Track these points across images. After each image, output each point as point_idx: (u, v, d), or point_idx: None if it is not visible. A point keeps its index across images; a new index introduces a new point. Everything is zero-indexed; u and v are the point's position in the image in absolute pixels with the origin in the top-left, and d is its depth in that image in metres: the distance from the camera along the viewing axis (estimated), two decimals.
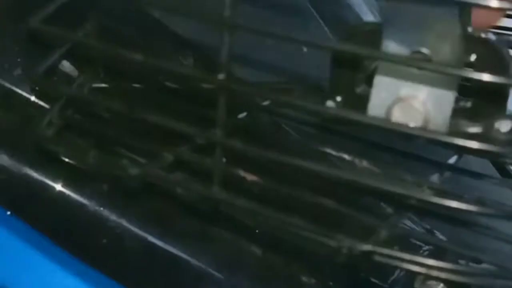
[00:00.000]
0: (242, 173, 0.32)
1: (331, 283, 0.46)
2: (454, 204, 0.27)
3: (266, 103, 0.40)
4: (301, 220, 0.28)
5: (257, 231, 0.45)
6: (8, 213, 0.39)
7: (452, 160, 0.37)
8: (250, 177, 0.32)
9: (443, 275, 0.27)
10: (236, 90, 0.28)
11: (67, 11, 0.37)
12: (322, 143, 0.36)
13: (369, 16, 0.55)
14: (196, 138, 0.34)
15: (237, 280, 0.44)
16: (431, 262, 0.28)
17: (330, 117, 0.31)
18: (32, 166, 0.41)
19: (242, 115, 0.40)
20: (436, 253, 0.34)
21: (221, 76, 0.29)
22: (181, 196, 0.31)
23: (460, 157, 0.37)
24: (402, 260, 0.28)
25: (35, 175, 0.41)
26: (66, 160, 0.41)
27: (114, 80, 0.42)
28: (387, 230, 0.29)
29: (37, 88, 0.37)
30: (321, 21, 0.51)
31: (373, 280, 0.46)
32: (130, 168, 0.32)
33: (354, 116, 0.28)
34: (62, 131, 0.36)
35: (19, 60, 0.41)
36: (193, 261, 0.43)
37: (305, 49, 0.48)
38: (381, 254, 0.28)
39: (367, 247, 0.28)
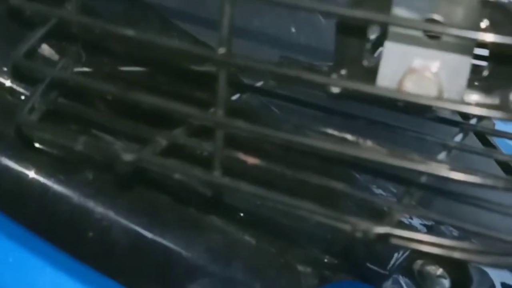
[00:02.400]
0: (242, 156, 0.30)
1: (327, 272, 0.44)
2: (475, 179, 0.25)
3: (259, 84, 0.38)
4: (312, 204, 0.26)
5: (250, 219, 0.43)
6: None
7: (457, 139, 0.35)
8: (251, 160, 0.29)
9: (465, 256, 0.26)
10: (237, 67, 0.26)
11: None
12: (323, 125, 0.33)
13: None
14: (191, 121, 0.32)
15: (231, 272, 0.41)
16: (451, 243, 0.26)
17: (336, 92, 0.29)
18: (11, 155, 0.38)
19: (235, 97, 0.38)
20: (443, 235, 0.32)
21: (221, 51, 0.26)
22: (178, 182, 0.29)
23: (465, 135, 0.35)
24: (421, 242, 0.26)
25: (14, 165, 0.38)
26: (48, 148, 0.38)
27: (97, 64, 0.40)
28: (400, 211, 0.28)
29: (17, 71, 0.35)
30: None
31: (371, 266, 0.44)
32: (123, 154, 0.29)
33: (365, 87, 0.26)
34: (45, 117, 0.34)
35: None
36: (185, 252, 0.41)
37: (293, 30, 0.46)
38: (397, 237, 0.26)
39: (383, 229, 0.26)
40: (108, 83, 0.31)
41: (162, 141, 0.31)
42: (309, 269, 0.43)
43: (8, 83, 0.38)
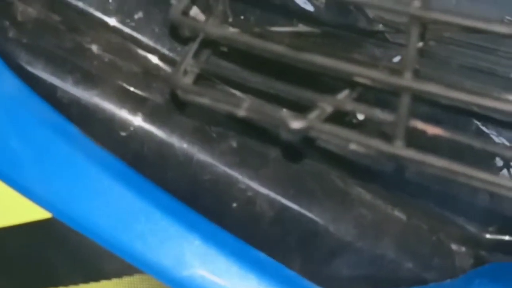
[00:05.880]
0: (420, 124, 0.26)
1: (483, 253, 0.39)
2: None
3: None
4: None
5: (399, 193, 0.39)
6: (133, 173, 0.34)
7: None
8: (433, 130, 0.26)
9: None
10: (434, 22, 0.22)
11: None
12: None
13: None
14: (360, 85, 0.28)
15: (381, 249, 0.38)
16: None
17: None
18: (154, 120, 0.36)
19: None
20: None
21: (416, 3, 0.23)
22: (353, 152, 0.26)
23: None
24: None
25: (157, 130, 0.35)
26: (193, 114, 0.36)
27: (244, 24, 0.37)
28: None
29: (174, 30, 0.32)
30: None
31: None
32: (291, 121, 0.26)
33: None
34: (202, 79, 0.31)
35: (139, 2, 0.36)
36: (332, 227, 0.38)
37: None
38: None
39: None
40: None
41: (327, 108, 0.28)
42: (463, 248, 0.39)
43: (151, 43, 0.36)
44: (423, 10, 0.22)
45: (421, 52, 0.23)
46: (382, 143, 0.25)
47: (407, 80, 0.23)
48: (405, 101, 0.24)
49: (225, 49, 0.33)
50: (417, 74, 0.23)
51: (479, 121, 0.42)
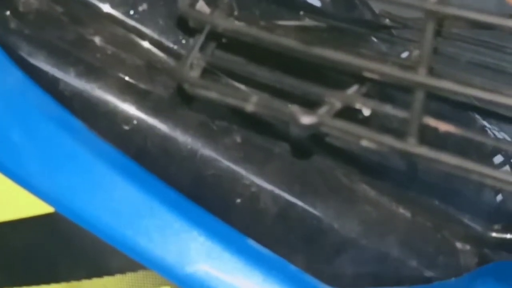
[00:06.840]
0: (432, 121, 0.25)
1: (488, 251, 0.39)
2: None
3: None
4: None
5: (404, 191, 0.39)
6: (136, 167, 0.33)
7: None
8: (444, 127, 0.25)
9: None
10: (451, 17, 0.22)
11: None
12: None
13: None
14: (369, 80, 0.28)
15: (386, 247, 0.38)
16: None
17: None
18: (156, 114, 0.35)
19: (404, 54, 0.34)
20: None
21: None
22: (358, 148, 0.25)
23: None
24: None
25: (160, 124, 0.35)
26: (197, 108, 0.35)
27: (250, 17, 0.36)
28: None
29: (182, 22, 0.31)
30: None
31: None
32: (301, 116, 0.26)
33: None
34: (205, 72, 0.30)
35: None
36: (336, 224, 0.37)
37: None
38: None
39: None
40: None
41: (336, 103, 0.28)
42: (468, 247, 0.39)
43: (155, 36, 0.35)
44: (439, 5, 0.22)
45: (436, 49, 0.23)
46: (394, 140, 0.24)
47: (421, 76, 0.23)
48: (419, 98, 0.24)
49: (229, 42, 0.33)
50: (431, 71, 0.23)
51: (480, 116, 0.41)
